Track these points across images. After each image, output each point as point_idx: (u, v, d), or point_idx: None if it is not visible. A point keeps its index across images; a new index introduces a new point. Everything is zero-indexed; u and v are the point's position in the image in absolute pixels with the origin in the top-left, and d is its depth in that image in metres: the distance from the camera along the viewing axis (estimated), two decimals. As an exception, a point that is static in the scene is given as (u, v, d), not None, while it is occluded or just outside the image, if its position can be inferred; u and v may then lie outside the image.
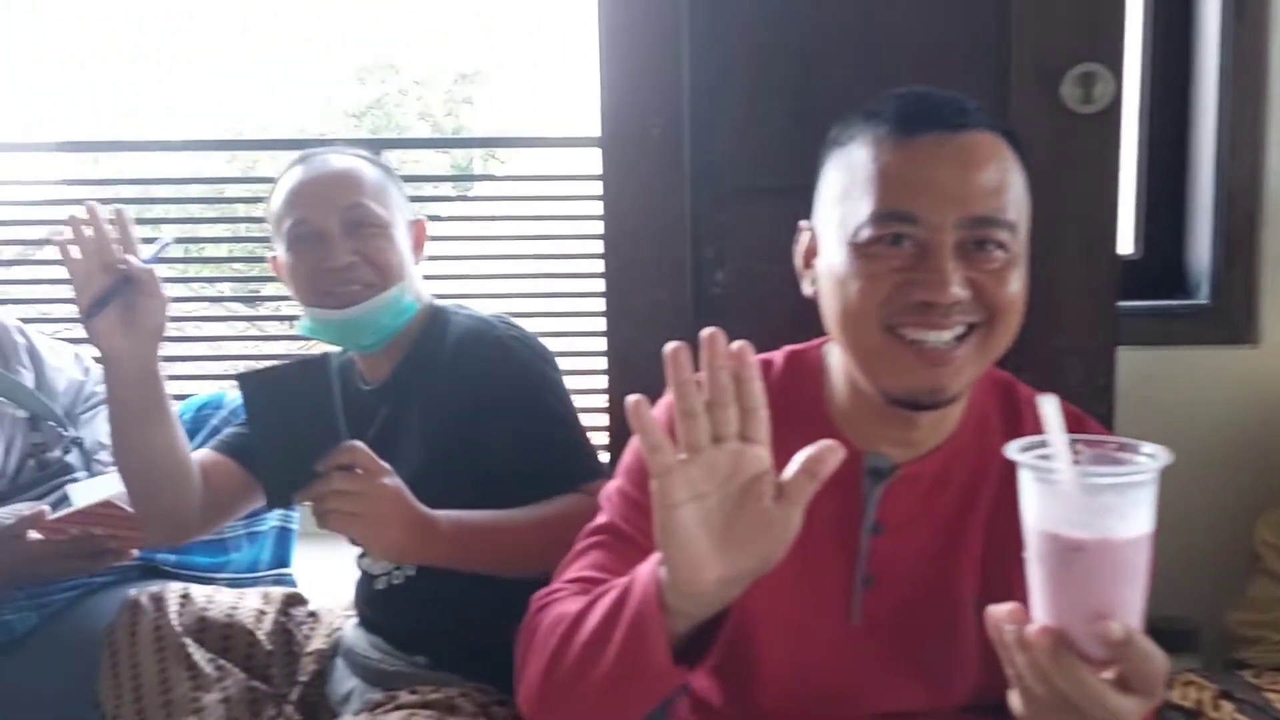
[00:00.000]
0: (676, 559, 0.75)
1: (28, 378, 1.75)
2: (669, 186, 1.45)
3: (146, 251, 1.23)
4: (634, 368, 1.51)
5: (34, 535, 1.48)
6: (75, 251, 1.19)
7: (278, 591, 1.52)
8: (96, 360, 1.86)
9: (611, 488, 1.02)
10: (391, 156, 2.11)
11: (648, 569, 0.80)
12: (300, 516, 1.83)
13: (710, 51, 1.42)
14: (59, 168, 2.57)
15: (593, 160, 1.96)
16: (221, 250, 3.29)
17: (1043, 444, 0.71)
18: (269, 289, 2.83)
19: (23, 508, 1.56)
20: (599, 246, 1.88)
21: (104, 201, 2.34)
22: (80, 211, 1.22)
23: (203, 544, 1.67)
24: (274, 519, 1.80)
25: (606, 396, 1.54)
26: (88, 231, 1.19)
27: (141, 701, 1.31)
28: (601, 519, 1.00)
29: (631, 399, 0.74)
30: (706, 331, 0.76)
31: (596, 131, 1.47)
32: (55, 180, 2.45)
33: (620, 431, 1.50)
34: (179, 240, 2.22)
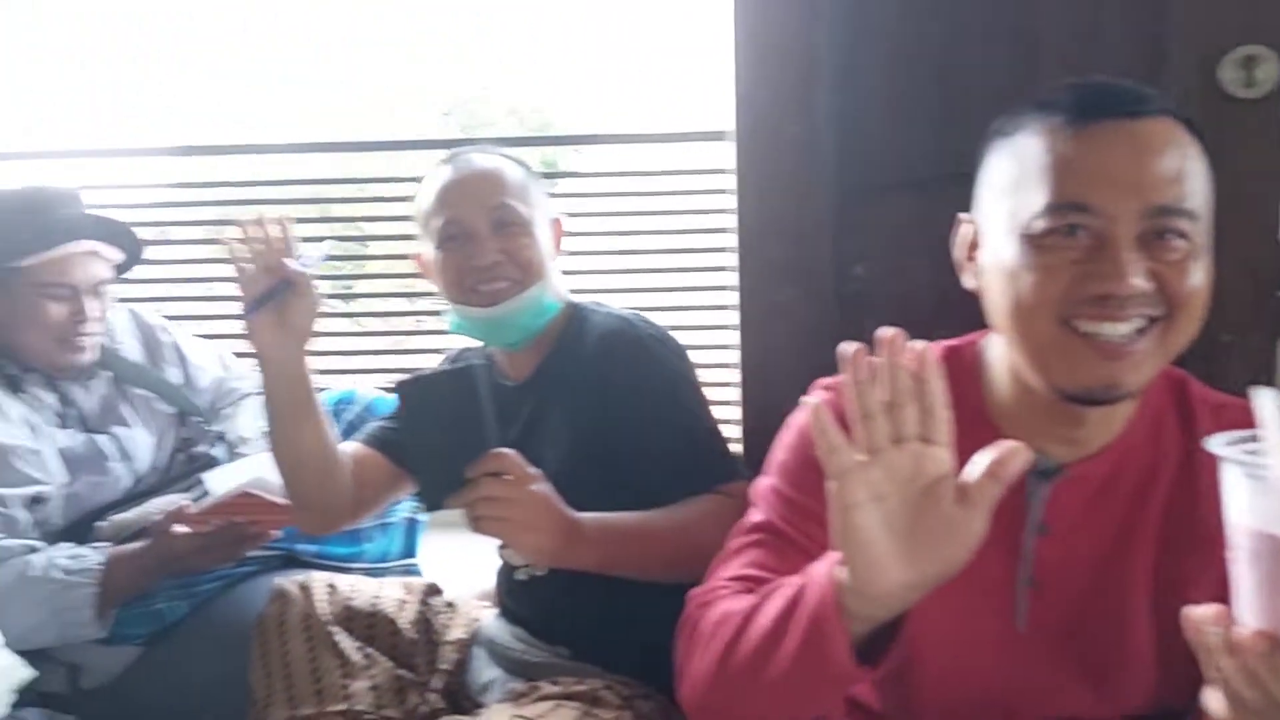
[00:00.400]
0: (857, 562, 0.75)
1: (175, 375, 1.83)
2: (806, 181, 1.43)
3: (309, 254, 1.26)
4: (766, 366, 1.50)
5: (178, 529, 1.55)
6: (243, 253, 1.23)
7: (417, 582, 1.55)
8: (238, 356, 1.93)
9: (764, 485, 1.02)
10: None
11: (823, 569, 0.80)
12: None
13: (851, 44, 1.40)
14: (173, 171, 2.67)
15: (684, 154, 1.95)
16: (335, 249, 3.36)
17: (1250, 439, 0.68)
18: (361, 286, 2.89)
19: (173, 500, 1.63)
20: (698, 241, 1.88)
21: (213, 204, 2.43)
22: (241, 215, 1.27)
23: (339, 535, 1.72)
24: (403, 511, 1.84)
25: (740, 393, 1.53)
26: (256, 235, 1.23)
27: (293, 689, 1.34)
28: (757, 517, 1.00)
29: (812, 400, 0.74)
30: (887, 331, 0.75)
31: (684, 126, 1.46)
32: (169, 184, 2.55)
33: (756, 430, 1.49)
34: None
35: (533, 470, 1.15)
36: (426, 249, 1.38)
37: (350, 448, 1.43)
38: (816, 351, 1.45)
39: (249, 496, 1.53)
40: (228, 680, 1.46)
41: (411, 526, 1.87)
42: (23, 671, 1.29)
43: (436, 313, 2.38)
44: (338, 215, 2.68)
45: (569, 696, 1.23)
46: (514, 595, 1.41)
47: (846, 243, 1.43)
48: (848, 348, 0.74)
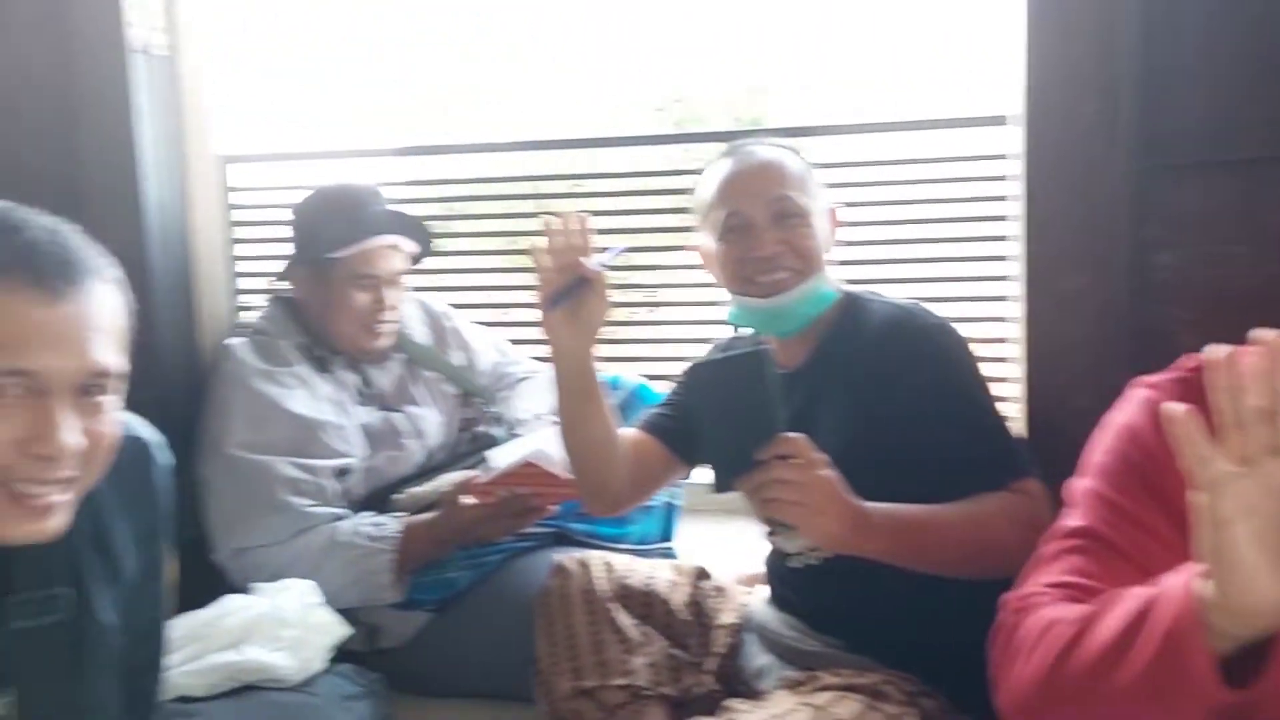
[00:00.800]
0: (1227, 579, 0.70)
1: (459, 359, 1.95)
2: (1101, 164, 1.36)
3: (604, 253, 1.31)
4: (1052, 358, 1.44)
5: (466, 500, 1.65)
6: (545, 250, 1.29)
7: (687, 565, 1.59)
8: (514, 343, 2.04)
9: (1083, 488, 0.97)
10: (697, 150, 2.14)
11: (1179, 581, 0.75)
12: (681, 494, 1.91)
13: (1161, 16, 1.31)
14: (401, 170, 2.81)
15: (953, 141, 1.88)
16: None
17: None
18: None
19: (457, 476, 1.74)
20: (972, 230, 1.81)
21: (434, 201, 2.54)
22: (545, 213, 1.33)
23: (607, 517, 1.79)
24: (663, 496, 1.88)
25: (1023, 387, 1.47)
26: (556, 232, 1.29)
27: (576, 661, 1.41)
28: (1075, 521, 0.95)
29: (1179, 407, 0.70)
30: (1268, 333, 0.69)
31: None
32: (400, 181, 2.69)
33: (1041, 425, 1.43)
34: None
35: (822, 456, 1.15)
36: (706, 241, 1.41)
37: (629, 434, 1.48)
38: (1106, 344, 1.38)
39: (531, 467, 1.61)
40: (509, 645, 1.55)
41: (669, 511, 1.91)
42: (341, 629, 1.41)
43: (649, 305, 2.43)
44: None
45: (851, 688, 1.23)
46: (787, 583, 1.42)
47: (1147, 229, 1.34)
48: (1218, 350, 0.70)
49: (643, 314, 2.66)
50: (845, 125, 1.97)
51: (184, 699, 1.27)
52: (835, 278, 1.40)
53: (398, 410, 1.82)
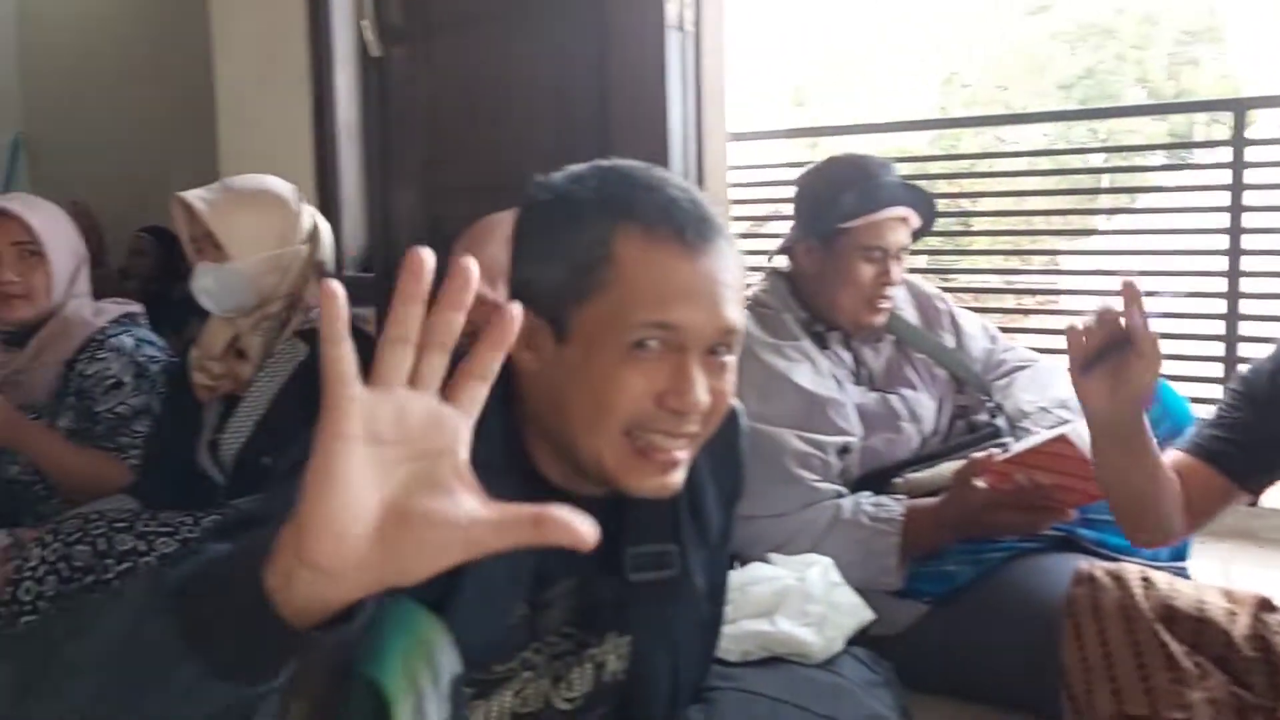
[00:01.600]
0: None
1: (949, 341, 1.87)
2: None
3: (1147, 301, 1.12)
4: None
5: (979, 483, 1.55)
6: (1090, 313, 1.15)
7: (1246, 593, 1.40)
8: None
9: None
10: (1103, 127, 1.86)
11: None
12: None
13: None
14: (783, 152, 2.77)
15: None
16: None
17: None
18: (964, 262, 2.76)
19: (958, 464, 1.64)
20: None
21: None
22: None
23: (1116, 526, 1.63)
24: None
25: None
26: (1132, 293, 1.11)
27: (1116, 683, 1.28)
28: None
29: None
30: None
31: None
32: (778, 164, 2.64)
33: None
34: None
35: None
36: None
37: (1174, 458, 1.32)
38: None
39: (1064, 445, 1.46)
40: (1015, 651, 1.46)
41: (1186, 528, 1.72)
42: (865, 613, 1.38)
43: (1035, 293, 2.22)
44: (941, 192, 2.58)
45: None
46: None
47: None
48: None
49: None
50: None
51: (717, 660, 1.29)
52: None
53: (892, 392, 1.77)
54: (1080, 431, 1.45)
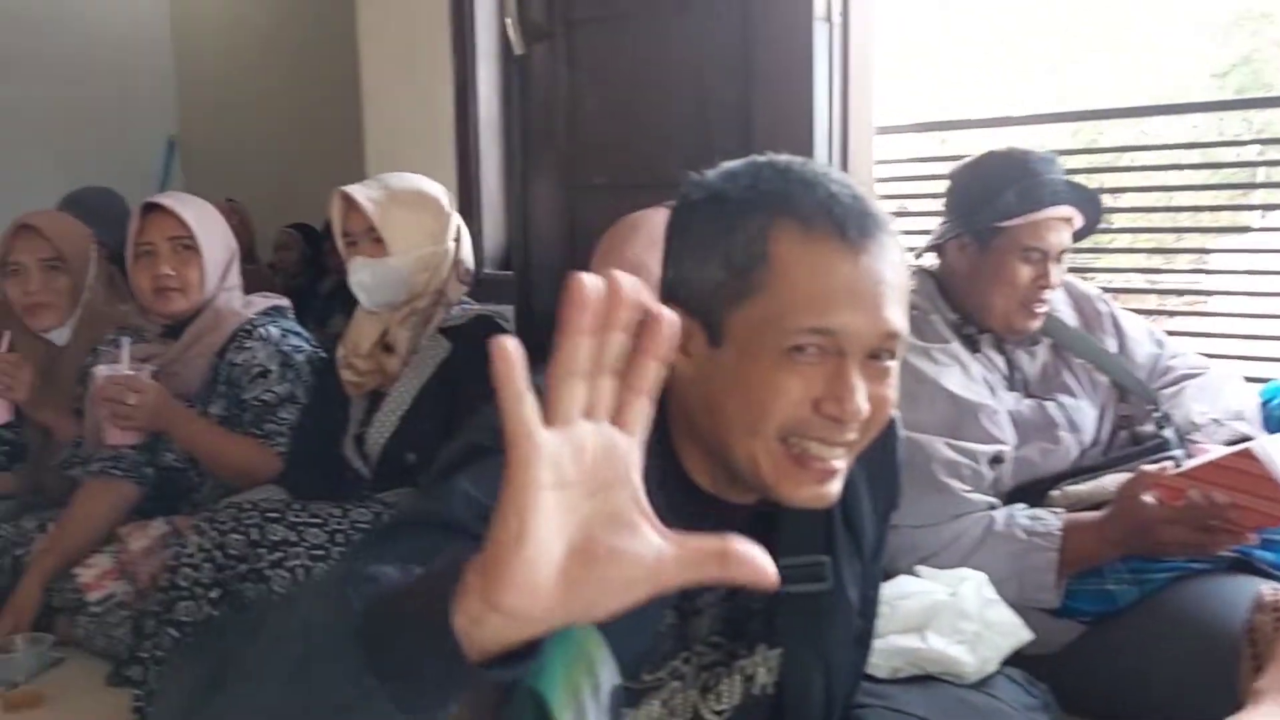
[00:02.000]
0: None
1: (1110, 346, 1.76)
2: None
3: None
4: None
5: (1149, 498, 1.45)
6: None
7: None
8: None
9: None
10: (1258, 118, 1.70)
11: None
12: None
13: None
14: (913, 146, 2.67)
15: None
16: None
17: None
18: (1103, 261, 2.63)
19: (1124, 477, 1.54)
20: None
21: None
22: None
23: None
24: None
25: None
26: None
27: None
28: None
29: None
30: None
31: None
32: (906, 158, 2.54)
33: None
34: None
35: None
36: None
37: None
38: None
39: (1248, 460, 1.35)
40: (1182, 678, 1.37)
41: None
42: (1023, 633, 1.31)
43: (1181, 293, 2.08)
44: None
45: None
46: None
47: None
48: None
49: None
50: None
51: (866, 676, 1.24)
52: None
53: (1049, 399, 1.68)
54: (1267, 447, 1.34)
